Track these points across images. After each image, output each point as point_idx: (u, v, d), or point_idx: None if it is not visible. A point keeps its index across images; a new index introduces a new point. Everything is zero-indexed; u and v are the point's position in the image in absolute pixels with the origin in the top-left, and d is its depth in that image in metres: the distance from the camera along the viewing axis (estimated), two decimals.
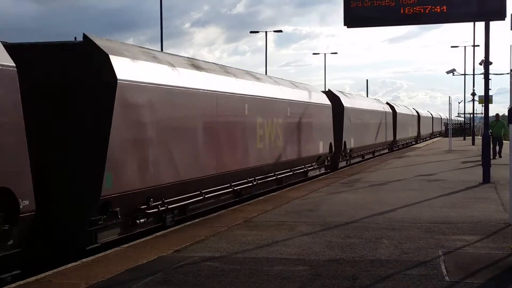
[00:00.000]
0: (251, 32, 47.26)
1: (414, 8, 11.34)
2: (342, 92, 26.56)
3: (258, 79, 16.24)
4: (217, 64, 14.56)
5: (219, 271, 7.17)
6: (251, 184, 14.64)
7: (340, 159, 24.22)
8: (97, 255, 8.28)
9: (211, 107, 12.34)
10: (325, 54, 68.40)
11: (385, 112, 35.06)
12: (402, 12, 11.39)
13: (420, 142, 51.95)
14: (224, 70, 14.27)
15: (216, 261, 7.72)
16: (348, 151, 25.21)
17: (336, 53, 61.01)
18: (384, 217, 11.10)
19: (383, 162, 27.26)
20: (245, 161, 14.20)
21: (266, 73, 34.19)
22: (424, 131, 57.48)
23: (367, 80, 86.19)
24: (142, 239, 9.43)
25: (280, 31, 48.04)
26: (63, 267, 7.58)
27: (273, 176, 16.18)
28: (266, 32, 46.96)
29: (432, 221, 10.52)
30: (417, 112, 51.90)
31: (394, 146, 38.71)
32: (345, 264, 7.44)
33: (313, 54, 66.52)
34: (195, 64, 12.54)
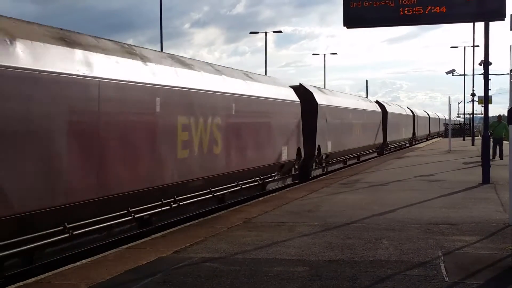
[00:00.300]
0: (251, 32, 47.34)
1: (414, 9, 11.33)
2: (317, 87, 22.87)
3: (186, 65, 12.30)
4: (113, 41, 10.53)
5: (219, 272, 7.16)
6: (168, 207, 10.79)
7: (314, 167, 20.54)
8: (96, 256, 8.27)
9: (85, 99, 8.59)
10: (324, 54, 68.67)
11: (373, 112, 31.64)
12: (401, 12, 11.38)
13: (416, 144, 49.31)
14: (125, 50, 10.34)
15: (215, 262, 7.71)
16: (324, 156, 21.50)
17: (335, 53, 61.57)
18: (384, 217, 11.10)
19: (383, 162, 27.24)
20: (155, 176, 10.35)
21: (266, 74, 33.26)
22: (420, 132, 54.47)
23: (366, 80, 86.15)
24: (142, 240, 9.43)
25: (280, 31, 48.15)
26: (63, 268, 7.58)
27: (208, 193, 12.40)
28: (265, 32, 47.04)
29: (432, 222, 10.52)
30: (412, 111, 49.15)
31: (384, 149, 35.37)
32: (344, 264, 7.43)
33: (313, 54, 66.96)
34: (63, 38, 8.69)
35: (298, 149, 18.31)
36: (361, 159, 28.64)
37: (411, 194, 14.51)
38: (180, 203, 11.19)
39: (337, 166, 24.03)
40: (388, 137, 35.32)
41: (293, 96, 18.47)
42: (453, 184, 16.63)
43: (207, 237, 9.42)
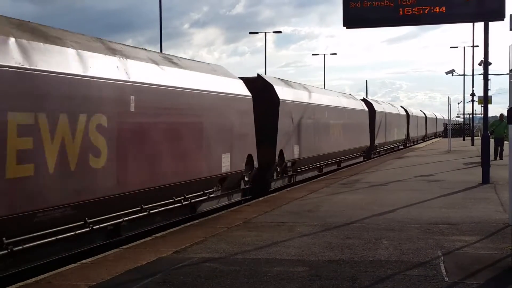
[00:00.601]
0: (251, 33, 47.40)
1: (413, 9, 11.34)
2: (282, 80, 18.66)
3: (48, 39, 8.17)
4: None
5: (219, 272, 7.16)
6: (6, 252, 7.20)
7: (276, 177, 16.82)
8: (96, 257, 8.28)
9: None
10: (324, 55, 68.91)
11: (358, 110, 27.76)
12: (401, 12, 11.39)
13: (410, 146, 45.57)
14: None
15: (215, 262, 7.71)
16: (289, 164, 17.72)
17: (335, 53, 61.73)
18: (383, 217, 11.10)
19: (383, 162, 27.25)
20: None
21: (265, 74, 32.00)
22: (415, 133, 50.39)
23: (366, 81, 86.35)
24: (142, 240, 9.43)
25: (280, 32, 48.21)
26: (63, 268, 7.58)
27: (84, 225, 8.61)
28: (265, 33, 47.05)
29: (431, 222, 10.52)
30: (405, 110, 45.32)
31: (372, 153, 31.61)
32: (344, 265, 7.43)
33: (313, 54, 67.01)
34: None
35: (249, 157, 14.41)
36: (342, 165, 24.98)
37: (411, 194, 14.51)
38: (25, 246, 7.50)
39: (310, 175, 20.26)
40: (376, 139, 31.82)
41: (241, 89, 14.37)
42: (453, 184, 16.63)
43: (207, 237, 9.43)
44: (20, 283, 6.91)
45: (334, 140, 22.93)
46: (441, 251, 8.12)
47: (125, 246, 8.95)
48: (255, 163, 14.78)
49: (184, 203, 11.37)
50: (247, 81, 15.41)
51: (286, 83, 18.72)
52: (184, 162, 11.29)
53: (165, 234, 9.96)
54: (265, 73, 36.13)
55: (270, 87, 16.64)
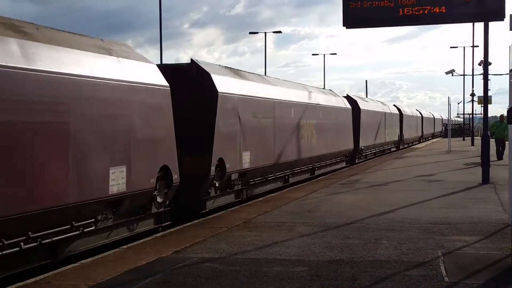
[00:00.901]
0: (250, 33, 47.35)
1: (413, 9, 11.33)
2: (226, 68, 14.75)
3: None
4: None
5: (219, 272, 7.16)
6: None
7: (215, 193, 12.84)
8: (96, 257, 8.28)
9: None
10: (324, 55, 68.73)
11: (338, 109, 23.85)
12: (401, 12, 11.39)
13: (403, 148, 42.14)
14: None
15: (215, 262, 7.71)
16: (235, 176, 13.71)
17: (335, 53, 61.63)
18: (383, 218, 11.10)
19: (383, 162, 27.24)
20: None
21: (265, 74, 29.57)
22: (410, 134, 46.41)
23: (366, 81, 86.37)
24: (142, 240, 9.43)
25: (279, 32, 48.16)
26: (63, 268, 7.58)
27: None
28: (265, 33, 47.01)
29: (431, 222, 10.52)
30: (398, 109, 41.63)
31: (357, 157, 27.76)
32: (344, 265, 7.43)
33: (313, 54, 66.79)
34: None
35: (164, 170, 10.52)
36: (317, 172, 21.25)
37: (411, 194, 14.51)
38: None
39: (269, 187, 16.38)
40: (361, 141, 27.78)
41: (151, 77, 10.38)
42: (453, 184, 16.63)
43: (207, 238, 9.43)
44: (20, 283, 6.91)
45: (305, 144, 19.03)
46: (441, 251, 8.12)
47: (125, 246, 8.95)
48: (175, 176, 10.86)
49: (36, 243, 7.59)
50: (179, 68, 12.96)
51: (233, 72, 14.74)
52: (31, 182, 7.43)
53: (165, 234, 9.97)
54: (265, 74, 34.22)
55: (206, 76, 12.65)
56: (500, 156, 25.47)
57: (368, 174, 21.03)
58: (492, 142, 22.75)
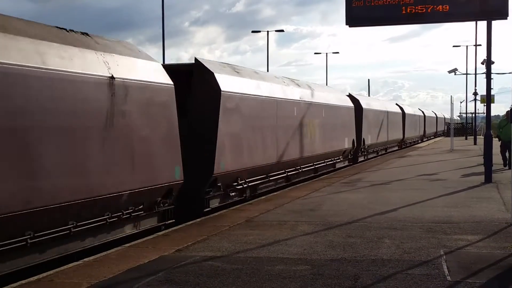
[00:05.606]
0: (253, 31, 47.33)
1: (416, 7, 11.31)
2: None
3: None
4: None
5: (221, 271, 7.16)
6: None
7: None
8: (99, 255, 8.28)
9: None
10: (326, 53, 68.32)
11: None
12: (404, 11, 11.37)
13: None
14: None
15: (217, 260, 7.71)
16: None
17: (337, 52, 60.83)
18: (385, 216, 11.09)
19: (385, 161, 27.23)
20: None
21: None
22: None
23: (368, 80, 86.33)
24: (144, 239, 9.44)
25: (282, 30, 48.11)
26: (65, 266, 7.59)
27: None
28: (267, 31, 46.99)
29: (434, 221, 10.51)
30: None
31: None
32: (346, 263, 7.43)
33: (315, 53, 66.39)
34: None
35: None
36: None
37: (413, 193, 14.50)
38: None
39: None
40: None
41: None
42: (455, 183, 16.61)
43: (209, 236, 9.43)
44: (23, 281, 6.92)
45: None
46: (443, 250, 8.11)
47: (127, 245, 8.96)
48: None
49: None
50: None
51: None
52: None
53: (167, 233, 9.97)
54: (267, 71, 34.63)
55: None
56: (506, 162, 21.07)
57: (370, 173, 21.02)
58: (495, 142, 19.26)
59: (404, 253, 7.96)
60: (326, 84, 56.15)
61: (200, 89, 12.59)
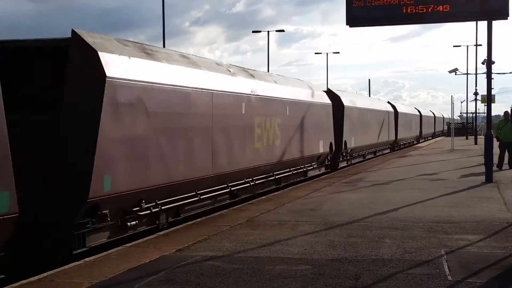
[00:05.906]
0: (254, 31, 47.28)
1: (417, 7, 11.31)
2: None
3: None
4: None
5: (222, 271, 7.17)
6: None
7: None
8: (100, 255, 8.29)
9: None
10: (327, 53, 68.21)
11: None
12: (404, 11, 11.37)
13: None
14: None
15: (218, 260, 7.72)
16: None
17: (338, 52, 60.57)
18: (386, 216, 11.10)
19: (386, 161, 27.22)
20: None
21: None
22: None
23: (369, 79, 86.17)
24: (145, 239, 9.44)
25: (283, 30, 48.06)
26: (66, 266, 7.59)
27: None
28: (268, 31, 46.96)
29: (434, 221, 10.51)
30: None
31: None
32: (347, 263, 7.43)
33: (315, 53, 66.32)
34: None
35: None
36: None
37: (414, 193, 14.50)
38: None
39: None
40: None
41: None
42: (456, 183, 16.61)
43: (210, 236, 9.43)
44: (23, 281, 6.93)
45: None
46: (444, 250, 8.12)
47: (128, 244, 8.97)
48: None
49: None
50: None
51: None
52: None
53: (168, 233, 9.98)
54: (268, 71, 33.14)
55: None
56: (508, 162, 20.58)
57: (371, 173, 21.02)
58: (495, 142, 18.39)
59: (405, 253, 7.96)
60: (327, 84, 55.91)
61: (77, 74, 8.60)
